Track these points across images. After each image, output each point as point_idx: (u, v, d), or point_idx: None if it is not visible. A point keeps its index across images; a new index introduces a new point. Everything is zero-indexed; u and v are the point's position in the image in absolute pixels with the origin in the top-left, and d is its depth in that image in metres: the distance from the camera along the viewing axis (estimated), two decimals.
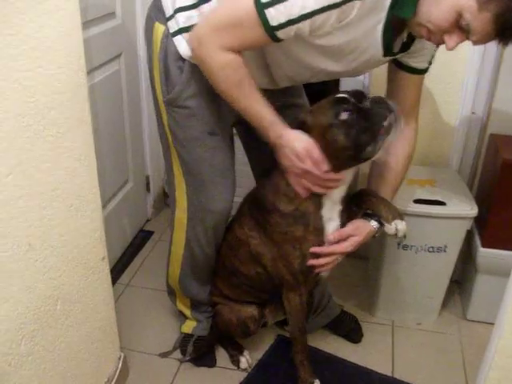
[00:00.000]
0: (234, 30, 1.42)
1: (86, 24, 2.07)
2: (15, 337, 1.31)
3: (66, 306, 1.52)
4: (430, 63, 1.68)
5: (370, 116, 1.51)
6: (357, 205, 1.76)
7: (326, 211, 1.68)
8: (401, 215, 1.72)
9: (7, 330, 1.28)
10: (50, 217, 1.39)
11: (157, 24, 1.64)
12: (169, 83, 1.67)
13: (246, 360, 2.06)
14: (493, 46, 2.11)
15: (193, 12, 1.58)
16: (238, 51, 1.46)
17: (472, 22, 1.31)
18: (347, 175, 1.63)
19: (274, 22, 1.37)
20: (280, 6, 1.34)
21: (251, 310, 1.95)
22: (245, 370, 2.05)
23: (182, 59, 1.62)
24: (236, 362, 2.07)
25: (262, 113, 1.54)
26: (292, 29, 1.38)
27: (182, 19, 1.59)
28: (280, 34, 1.39)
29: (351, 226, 1.71)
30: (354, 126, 1.50)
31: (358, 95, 1.56)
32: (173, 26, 1.61)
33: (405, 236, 1.72)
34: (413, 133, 1.79)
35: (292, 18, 1.35)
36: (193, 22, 1.56)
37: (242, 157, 2.02)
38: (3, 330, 1.26)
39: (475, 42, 1.38)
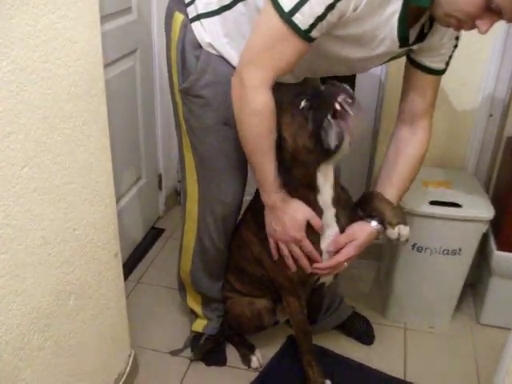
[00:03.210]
0: (270, 52, 1.42)
1: (102, 19, 2.03)
2: (27, 331, 1.30)
3: (78, 301, 1.51)
4: (447, 64, 1.65)
5: (320, 95, 1.52)
6: (362, 209, 1.73)
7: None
8: (405, 220, 1.68)
9: (19, 324, 1.27)
10: (64, 210, 1.38)
11: (176, 13, 1.64)
12: (185, 72, 1.67)
13: (257, 359, 2.05)
14: None
15: None
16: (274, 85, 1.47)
17: (501, 2, 1.26)
18: (327, 173, 1.61)
19: (304, 26, 1.36)
20: (304, 9, 1.33)
21: (264, 302, 1.93)
22: (256, 369, 2.03)
23: (199, 48, 1.62)
24: (247, 361, 2.06)
25: (271, 173, 1.55)
26: (323, 24, 1.36)
27: (200, 5, 1.59)
28: (314, 33, 1.38)
29: (347, 232, 1.68)
30: (311, 108, 1.51)
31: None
32: (192, 11, 1.61)
33: (407, 240, 1.69)
34: (426, 134, 1.74)
35: (319, 14, 1.33)
36: (212, 9, 1.57)
37: None
38: (15, 324, 1.25)
39: (510, 20, 1.32)
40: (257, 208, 1.74)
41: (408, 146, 1.71)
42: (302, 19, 1.34)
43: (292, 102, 1.55)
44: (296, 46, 1.40)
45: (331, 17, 1.34)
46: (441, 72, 1.66)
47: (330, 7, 1.32)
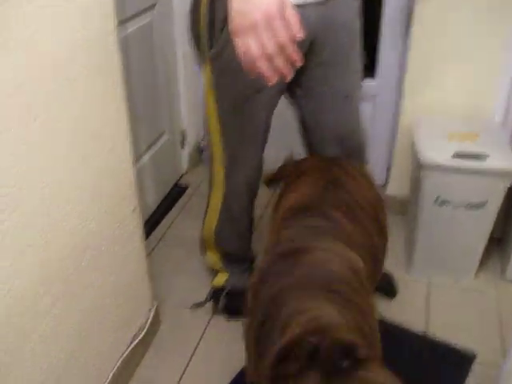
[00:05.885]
0: None
1: None
2: (42, 283, 1.31)
3: (94, 255, 1.52)
4: None
5: None
6: None
7: None
8: None
9: (33, 278, 1.28)
10: (79, 163, 1.38)
11: None
12: (214, 36, 1.60)
13: None
14: None
15: None
16: None
17: None
18: None
19: None
20: None
21: None
22: None
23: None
24: None
25: None
26: None
27: None
28: None
29: None
30: None
31: None
32: None
33: None
34: None
35: None
36: None
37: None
38: (28, 279, 1.26)
39: None
40: None
41: None
42: None
43: None
44: None
45: None
46: None
47: None
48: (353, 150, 1.85)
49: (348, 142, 1.83)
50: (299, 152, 1.92)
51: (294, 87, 1.76)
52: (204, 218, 2.05)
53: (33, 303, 1.30)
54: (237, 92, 1.66)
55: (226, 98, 1.69)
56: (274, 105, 1.74)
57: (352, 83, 1.76)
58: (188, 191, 2.86)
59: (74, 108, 1.33)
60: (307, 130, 1.88)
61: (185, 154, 2.96)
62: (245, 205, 1.94)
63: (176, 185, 2.89)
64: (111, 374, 1.72)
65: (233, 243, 2.04)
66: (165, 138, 2.71)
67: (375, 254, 1.51)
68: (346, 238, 1.37)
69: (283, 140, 2.33)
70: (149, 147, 2.55)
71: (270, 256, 1.31)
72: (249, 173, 1.85)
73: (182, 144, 2.91)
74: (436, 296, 2.19)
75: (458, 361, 1.91)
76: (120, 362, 1.77)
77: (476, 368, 1.88)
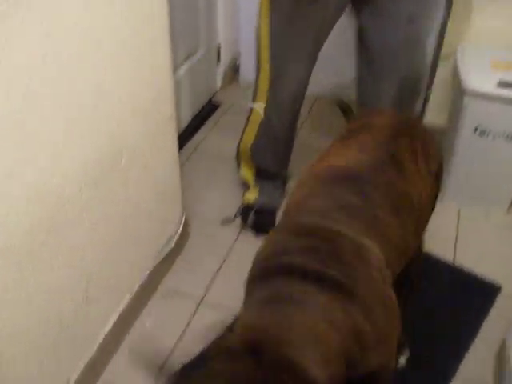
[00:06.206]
0: None
1: None
2: (79, 182, 1.31)
3: (130, 158, 1.51)
4: None
5: None
6: None
7: None
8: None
9: (71, 174, 1.28)
10: (118, 66, 1.36)
11: None
12: None
13: None
14: None
15: None
16: None
17: None
18: None
19: None
20: None
21: None
22: None
23: None
24: None
25: None
26: None
27: None
28: None
29: None
30: None
31: None
32: None
33: None
34: None
35: None
36: None
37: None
38: (66, 174, 1.26)
39: None
40: None
41: None
42: None
43: None
44: None
45: None
46: None
47: None
48: (408, 90, 1.83)
49: (405, 79, 1.80)
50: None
51: (360, 4, 1.72)
52: (243, 131, 2.05)
53: (70, 204, 1.30)
54: (293, 1, 1.62)
55: (281, 7, 1.66)
56: (330, 23, 1.71)
57: (419, 8, 1.70)
58: (221, 108, 2.83)
59: (115, 15, 1.30)
60: (366, 57, 1.84)
61: (219, 71, 2.91)
62: (286, 121, 1.93)
63: (210, 101, 2.87)
64: (138, 284, 1.75)
65: (268, 159, 2.03)
66: (200, 52, 2.66)
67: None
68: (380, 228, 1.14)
69: (335, 65, 2.29)
70: (185, 60, 2.51)
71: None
72: (293, 87, 1.83)
73: (217, 59, 2.86)
74: (465, 227, 2.18)
75: (483, 292, 1.91)
76: (148, 272, 1.79)
77: (500, 300, 1.88)
